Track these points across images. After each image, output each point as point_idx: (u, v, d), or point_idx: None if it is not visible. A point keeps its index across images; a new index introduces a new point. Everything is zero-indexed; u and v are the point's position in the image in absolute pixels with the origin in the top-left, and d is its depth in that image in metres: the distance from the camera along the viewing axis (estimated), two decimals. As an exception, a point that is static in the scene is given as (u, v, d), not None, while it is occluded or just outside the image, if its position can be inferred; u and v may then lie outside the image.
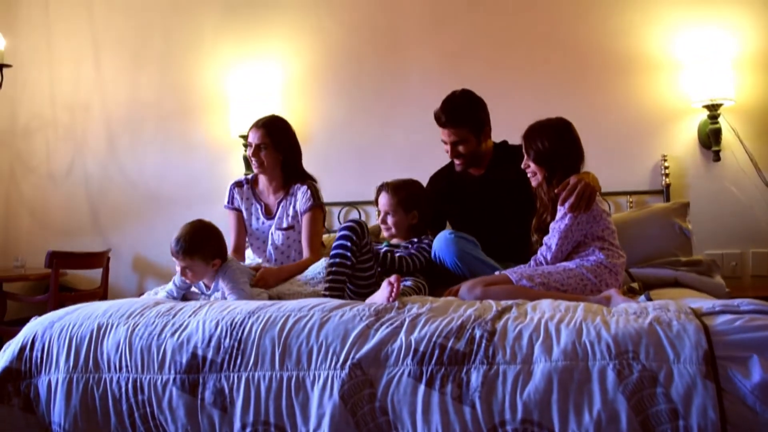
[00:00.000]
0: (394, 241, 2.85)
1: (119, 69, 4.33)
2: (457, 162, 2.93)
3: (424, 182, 3.01)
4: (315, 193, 2.87)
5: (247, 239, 3.02)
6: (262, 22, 4.12)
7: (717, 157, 3.58)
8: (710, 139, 3.55)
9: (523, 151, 2.49)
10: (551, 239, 2.40)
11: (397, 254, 2.69)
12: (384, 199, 2.82)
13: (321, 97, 4.07)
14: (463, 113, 2.84)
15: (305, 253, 2.83)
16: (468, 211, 2.95)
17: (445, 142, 2.91)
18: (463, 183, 2.99)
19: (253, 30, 4.13)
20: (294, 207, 2.89)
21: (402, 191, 2.81)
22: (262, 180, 2.98)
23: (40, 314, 2.27)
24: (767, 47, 3.56)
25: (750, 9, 3.57)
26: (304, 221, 2.85)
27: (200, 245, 2.40)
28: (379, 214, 2.91)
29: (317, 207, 2.86)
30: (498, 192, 2.86)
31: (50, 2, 4.40)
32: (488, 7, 3.88)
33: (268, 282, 2.56)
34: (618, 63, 3.71)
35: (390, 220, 2.81)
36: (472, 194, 2.94)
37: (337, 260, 2.42)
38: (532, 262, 2.45)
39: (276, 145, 2.85)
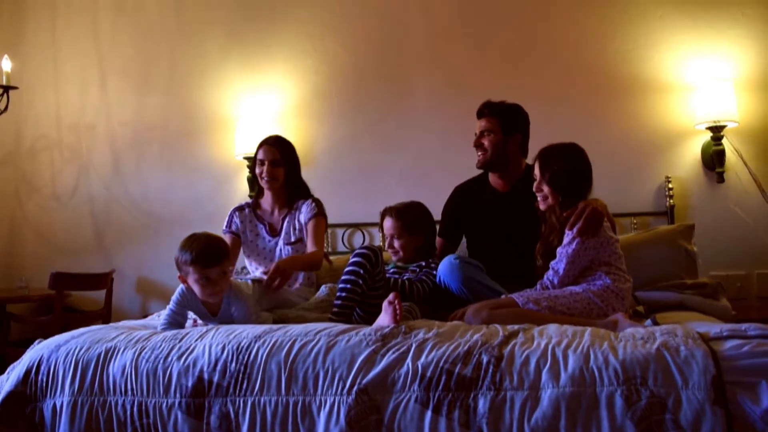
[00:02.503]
0: (402, 264, 2.86)
1: (125, 91, 4.36)
2: (478, 155, 2.96)
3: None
4: (319, 206, 2.99)
5: (250, 259, 3.07)
6: (267, 45, 4.15)
7: (721, 178, 3.58)
8: (714, 161, 3.56)
9: (537, 172, 2.48)
10: (558, 264, 2.39)
11: (405, 277, 2.69)
12: (389, 223, 2.85)
13: (325, 119, 4.09)
14: (498, 106, 2.93)
15: (310, 248, 2.90)
16: (487, 225, 2.96)
17: (476, 134, 2.97)
18: (487, 196, 3.00)
19: (258, 52, 4.16)
20: (299, 220, 2.98)
21: (406, 215, 2.84)
22: (267, 200, 3.05)
23: (43, 335, 2.27)
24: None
25: (751, 32, 3.60)
26: (309, 226, 2.93)
27: (227, 248, 2.38)
28: (384, 238, 2.93)
29: (320, 215, 2.97)
30: (520, 210, 2.83)
31: (57, 24, 4.44)
32: (493, 28, 3.91)
33: (286, 271, 2.62)
34: (621, 85, 3.73)
35: (396, 243, 2.84)
36: (495, 208, 2.95)
37: (348, 286, 2.41)
38: (538, 286, 2.44)
39: (286, 161, 2.99)
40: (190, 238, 2.31)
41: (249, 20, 4.18)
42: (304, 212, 2.97)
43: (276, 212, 3.05)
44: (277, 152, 2.96)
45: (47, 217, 4.42)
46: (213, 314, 2.35)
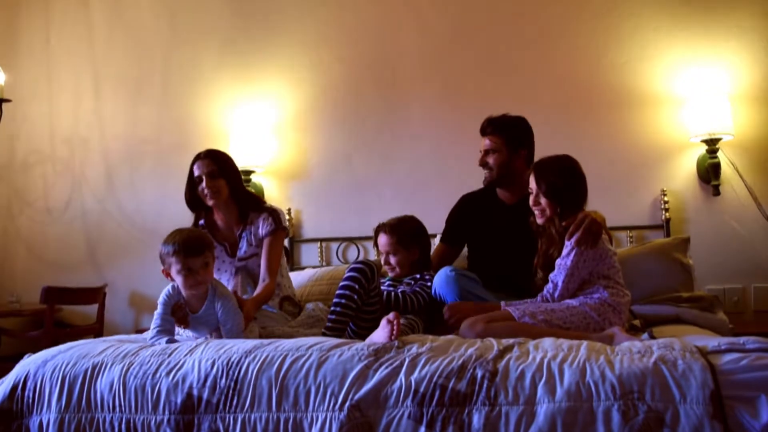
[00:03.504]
0: (396, 277, 2.83)
1: (118, 104, 4.34)
2: (484, 173, 2.96)
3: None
4: (276, 218, 2.82)
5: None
6: (262, 57, 4.15)
7: (716, 191, 3.57)
8: (709, 174, 3.55)
9: (533, 186, 2.47)
10: (557, 276, 2.37)
11: (399, 290, 2.67)
12: (383, 240, 2.83)
13: (320, 132, 4.08)
14: (502, 123, 2.91)
15: (263, 277, 2.74)
16: (491, 235, 2.94)
17: (481, 152, 2.96)
18: (494, 207, 2.99)
19: (253, 64, 4.16)
20: (255, 235, 2.82)
21: (400, 230, 2.82)
22: (220, 217, 2.88)
23: (35, 350, 2.23)
24: (763, 81, 3.58)
25: (746, 44, 3.60)
26: (265, 245, 2.78)
27: (209, 241, 2.43)
28: (379, 255, 2.91)
29: (279, 230, 2.80)
30: (526, 222, 2.82)
31: (51, 36, 4.43)
32: (487, 42, 3.91)
33: (251, 314, 2.49)
34: (616, 98, 3.72)
35: (393, 259, 2.82)
36: (500, 219, 2.94)
37: (343, 301, 2.39)
38: (539, 299, 2.42)
39: (225, 171, 2.81)
40: (174, 231, 2.37)
41: (243, 31, 4.17)
42: (261, 227, 2.81)
43: (233, 228, 2.87)
44: (212, 163, 2.78)
45: (39, 231, 4.39)
46: (194, 312, 2.33)
